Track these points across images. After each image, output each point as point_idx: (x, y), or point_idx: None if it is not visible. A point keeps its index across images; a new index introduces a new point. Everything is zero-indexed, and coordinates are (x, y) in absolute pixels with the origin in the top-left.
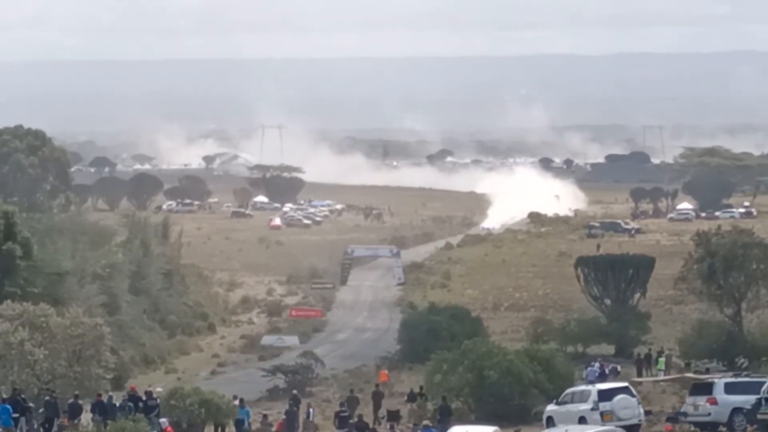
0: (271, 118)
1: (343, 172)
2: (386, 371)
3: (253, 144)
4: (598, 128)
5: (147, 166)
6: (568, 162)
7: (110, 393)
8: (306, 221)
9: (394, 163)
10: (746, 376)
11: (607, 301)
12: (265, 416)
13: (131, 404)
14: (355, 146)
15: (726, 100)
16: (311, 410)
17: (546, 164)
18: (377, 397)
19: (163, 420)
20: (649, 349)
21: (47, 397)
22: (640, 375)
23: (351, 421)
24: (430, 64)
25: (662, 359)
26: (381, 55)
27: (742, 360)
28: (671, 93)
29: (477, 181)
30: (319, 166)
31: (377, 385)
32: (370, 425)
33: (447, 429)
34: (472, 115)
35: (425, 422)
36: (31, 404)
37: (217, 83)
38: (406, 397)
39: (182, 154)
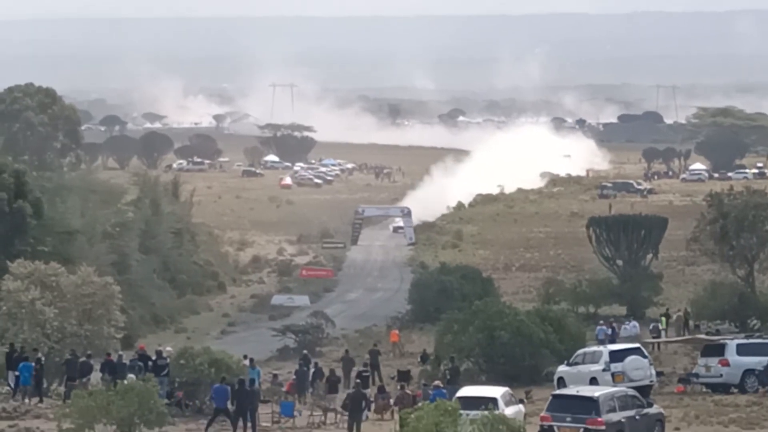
0: (282, 77)
1: (354, 131)
2: (397, 331)
3: (263, 103)
4: (610, 88)
5: (157, 125)
6: (581, 122)
7: (120, 352)
8: (317, 180)
9: (406, 123)
10: (758, 337)
11: (619, 262)
12: (275, 376)
13: (141, 364)
14: (366, 105)
15: (740, 59)
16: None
17: (558, 124)
18: (373, 355)
19: (130, 377)
20: (667, 309)
21: (68, 356)
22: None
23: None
24: (442, 23)
25: (663, 318)
26: (392, 14)
27: (755, 321)
28: (685, 52)
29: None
30: (330, 125)
31: (375, 344)
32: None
33: (456, 390)
34: (484, 74)
35: (436, 383)
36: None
37: (228, 41)
38: (419, 358)
39: (192, 113)
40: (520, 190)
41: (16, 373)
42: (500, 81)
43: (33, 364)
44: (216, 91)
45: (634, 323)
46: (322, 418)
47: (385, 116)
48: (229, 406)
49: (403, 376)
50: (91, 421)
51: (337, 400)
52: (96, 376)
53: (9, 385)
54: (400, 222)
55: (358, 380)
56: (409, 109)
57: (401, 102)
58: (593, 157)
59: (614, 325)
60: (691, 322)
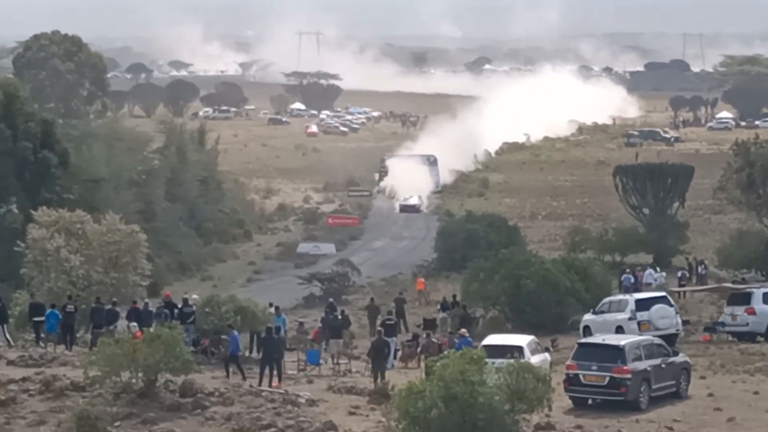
0: (305, 24)
1: (378, 79)
2: (423, 279)
3: (288, 50)
4: (637, 35)
5: (183, 73)
6: (607, 69)
7: (146, 300)
8: (343, 128)
9: (432, 71)
10: None
11: (646, 211)
12: (301, 324)
13: (167, 311)
14: (391, 53)
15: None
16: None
17: (585, 72)
18: (398, 303)
19: (133, 324)
20: (694, 258)
21: (94, 304)
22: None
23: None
24: None
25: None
26: None
27: None
28: (712, 0)
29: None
30: (355, 73)
31: (401, 292)
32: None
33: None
34: (508, 22)
35: (462, 331)
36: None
37: None
38: (439, 306)
39: (218, 61)
40: (546, 139)
41: (40, 318)
42: (523, 29)
43: (58, 311)
44: (239, 39)
45: (650, 271)
46: (348, 365)
47: (410, 64)
48: (255, 354)
49: (429, 325)
50: (117, 369)
51: (340, 344)
52: (122, 324)
53: (33, 333)
54: (411, 199)
55: (380, 328)
56: (434, 57)
57: (426, 50)
58: (623, 104)
59: (639, 274)
60: (700, 268)
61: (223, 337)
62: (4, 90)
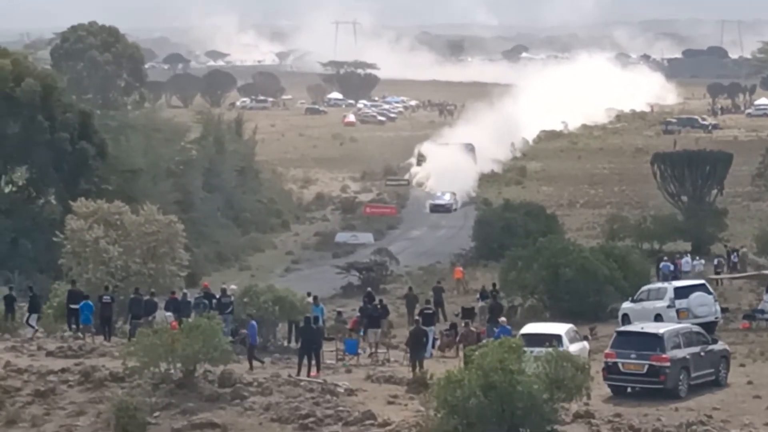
0: (341, 13)
1: (415, 68)
2: (461, 268)
3: (326, 40)
4: (673, 22)
5: (220, 63)
6: (645, 57)
7: (184, 290)
8: (380, 117)
9: (468, 59)
10: None
11: (684, 198)
12: (339, 313)
13: (206, 302)
14: (428, 41)
15: None
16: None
17: (623, 59)
18: (437, 292)
19: (168, 314)
20: (726, 246)
21: (133, 295)
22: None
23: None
24: None
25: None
26: None
27: None
28: None
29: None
30: (391, 62)
31: (439, 281)
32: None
33: (495, 327)
34: (546, 9)
35: (501, 319)
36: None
37: None
38: (478, 295)
39: (255, 51)
40: (584, 126)
41: (75, 306)
42: (558, 17)
43: (93, 303)
44: (275, 28)
45: (687, 259)
46: (387, 355)
47: (446, 53)
48: (294, 344)
49: (467, 313)
50: (156, 359)
51: (378, 334)
52: (161, 315)
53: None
54: (442, 198)
55: (418, 317)
56: (471, 45)
57: (462, 38)
58: (661, 91)
59: (678, 261)
60: (732, 256)
61: (242, 331)
62: (42, 81)
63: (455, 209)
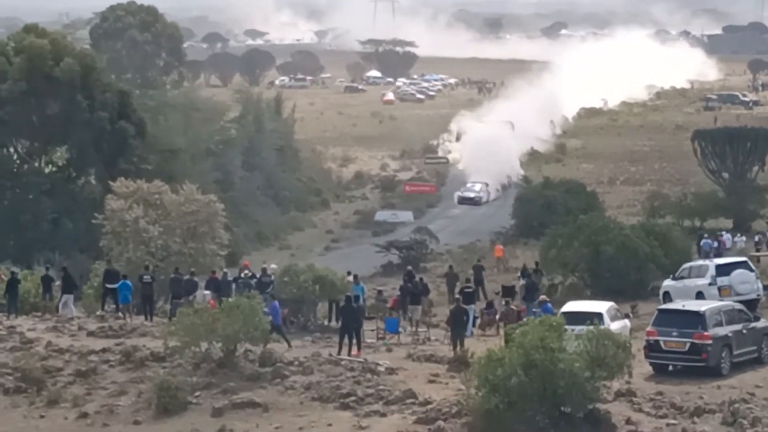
0: None
1: (454, 45)
2: (501, 246)
3: (364, 18)
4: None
5: (259, 42)
6: (685, 33)
7: (224, 270)
8: (419, 96)
9: (507, 37)
10: None
11: (725, 175)
12: (379, 292)
13: (251, 281)
14: (466, 19)
15: None
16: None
17: (662, 36)
18: (477, 271)
19: (206, 293)
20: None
21: (173, 275)
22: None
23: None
24: None
25: None
26: None
27: None
28: None
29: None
30: (430, 40)
31: (479, 259)
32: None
33: (532, 306)
34: None
35: (542, 297)
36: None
37: None
38: (519, 274)
39: (293, 29)
40: (624, 103)
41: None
42: None
43: (131, 283)
44: (311, 7)
45: (728, 236)
46: (427, 333)
47: (484, 30)
48: (335, 323)
49: (508, 292)
50: (197, 339)
51: (419, 311)
52: (201, 294)
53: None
54: (471, 190)
55: (459, 296)
56: (509, 22)
57: (500, 16)
58: (702, 67)
59: (720, 239)
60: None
61: (284, 311)
62: (81, 61)
63: (486, 201)
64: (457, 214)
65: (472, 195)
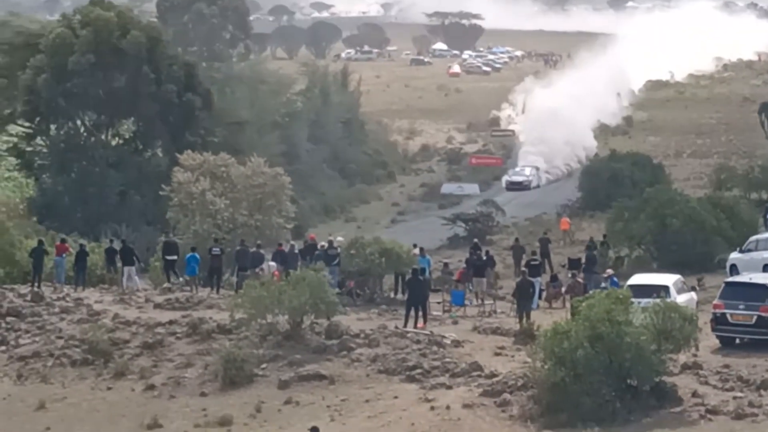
0: None
1: (520, 17)
2: (568, 219)
3: None
4: None
5: (325, 14)
6: (752, 5)
7: (291, 242)
8: (485, 68)
9: (573, 9)
10: None
11: None
12: (445, 265)
13: (327, 253)
14: None
15: None
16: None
17: (730, 7)
18: (543, 243)
19: (271, 264)
20: None
21: (239, 247)
22: None
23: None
24: None
25: None
26: None
27: None
28: None
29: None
30: (496, 12)
31: (545, 232)
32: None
33: (591, 278)
34: None
35: (608, 271)
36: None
37: None
38: (586, 246)
39: (360, 2)
40: (690, 76)
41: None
42: None
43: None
44: None
45: None
46: (493, 306)
47: (550, 2)
48: (401, 295)
49: (574, 264)
50: (263, 311)
51: (484, 283)
52: (267, 267)
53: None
54: (521, 173)
55: (525, 268)
56: None
57: None
58: None
59: None
60: None
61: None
62: (148, 34)
63: (536, 186)
64: None
65: (521, 179)
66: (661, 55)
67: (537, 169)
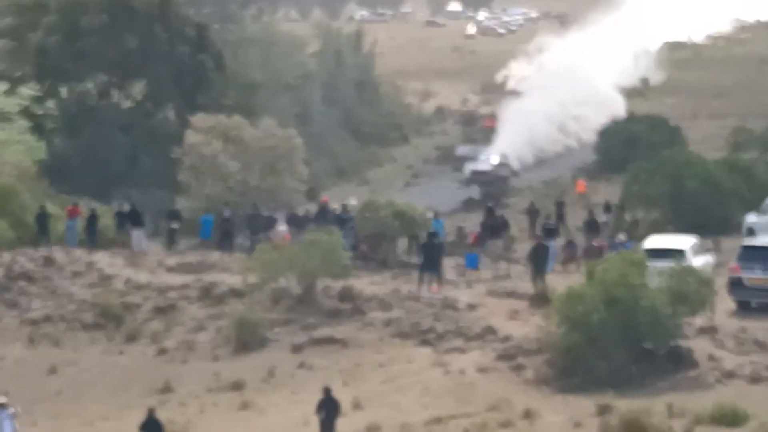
0: None
1: None
2: (583, 181)
3: None
4: None
5: None
6: None
7: (305, 206)
8: (500, 30)
9: None
10: None
11: None
12: (460, 228)
13: (340, 216)
14: None
15: None
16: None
17: None
18: (559, 206)
19: (282, 228)
20: None
21: (252, 210)
22: None
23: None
24: None
25: None
26: None
27: None
28: None
29: None
30: None
31: (561, 194)
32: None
33: (591, 242)
34: None
35: (620, 237)
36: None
37: None
38: (602, 209)
39: None
40: (708, 37)
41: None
42: None
43: (210, 218)
44: None
45: None
46: (508, 269)
47: None
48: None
49: (591, 227)
50: (276, 275)
51: (499, 245)
52: (280, 230)
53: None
54: (488, 161)
55: (540, 232)
56: None
57: None
58: None
59: None
60: None
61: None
62: None
63: (509, 177)
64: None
65: (486, 168)
66: (679, 17)
67: (504, 156)
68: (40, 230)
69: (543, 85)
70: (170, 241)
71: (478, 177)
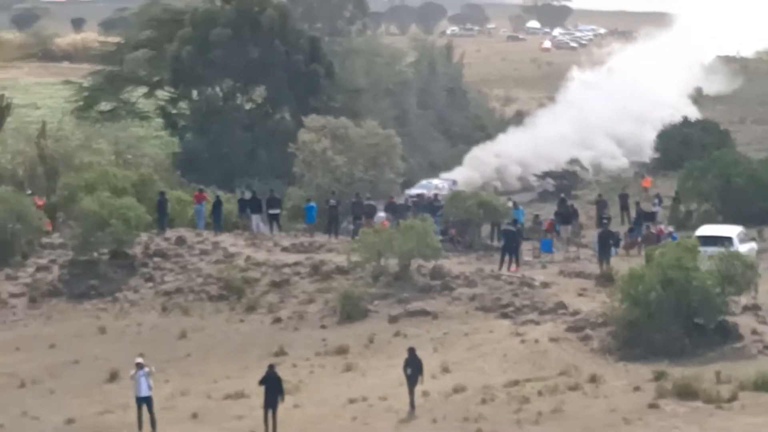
0: None
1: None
2: (649, 177)
3: None
4: None
5: None
6: None
7: (403, 195)
8: (572, 44)
9: None
10: None
11: None
12: (536, 216)
13: (423, 204)
14: None
15: None
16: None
17: None
18: (623, 199)
19: (380, 215)
20: None
21: (355, 199)
22: None
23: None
24: None
25: None
26: None
27: None
28: None
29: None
30: None
31: (624, 187)
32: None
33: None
34: None
35: (669, 228)
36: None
37: None
38: (656, 200)
39: None
40: (757, 52)
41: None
42: None
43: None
44: None
45: None
46: (577, 253)
47: None
48: (497, 242)
49: (649, 217)
50: (376, 255)
51: (569, 230)
52: (379, 216)
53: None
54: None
55: (605, 220)
56: None
57: None
58: None
59: None
60: None
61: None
62: (279, 11)
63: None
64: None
65: (422, 192)
66: (730, 34)
67: (454, 182)
68: (159, 214)
69: (609, 90)
70: (271, 226)
71: (414, 200)
